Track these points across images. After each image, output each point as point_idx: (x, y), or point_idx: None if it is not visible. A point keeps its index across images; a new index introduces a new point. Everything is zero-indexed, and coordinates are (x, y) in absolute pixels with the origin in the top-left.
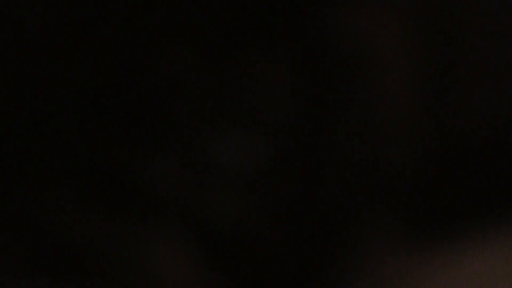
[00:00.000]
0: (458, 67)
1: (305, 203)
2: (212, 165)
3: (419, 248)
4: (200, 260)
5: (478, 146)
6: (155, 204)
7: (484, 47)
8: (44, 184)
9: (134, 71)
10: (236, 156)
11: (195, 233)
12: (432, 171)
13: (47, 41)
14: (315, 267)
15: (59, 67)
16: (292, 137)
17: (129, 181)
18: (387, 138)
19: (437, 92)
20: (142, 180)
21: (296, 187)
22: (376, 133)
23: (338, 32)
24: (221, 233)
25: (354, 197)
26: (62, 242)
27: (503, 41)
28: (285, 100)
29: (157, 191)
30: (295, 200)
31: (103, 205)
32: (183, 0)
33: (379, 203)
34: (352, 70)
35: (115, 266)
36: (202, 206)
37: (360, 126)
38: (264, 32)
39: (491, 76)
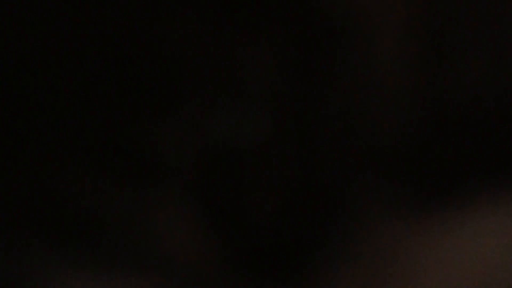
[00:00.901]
0: (455, 31)
1: (302, 171)
2: (213, 135)
3: (417, 215)
4: (201, 227)
5: (476, 111)
6: (159, 171)
7: (482, 10)
8: (52, 152)
9: (139, 42)
10: (234, 127)
11: (197, 200)
12: (430, 137)
13: (55, 9)
14: (313, 235)
15: (65, 35)
16: (287, 107)
17: (135, 149)
18: (383, 105)
19: (433, 57)
20: (147, 147)
21: (293, 157)
22: (372, 100)
23: (333, 3)
24: (221, 201)
25: (351, 166)
26: (70, 207)
27: (502, 5)
28: (281, 70)
29: (162, 158)
30: (292, 169)
31: (110, 172)
32: None
33: (377, 170)
34: (346, 37)
35: (121, 229)
36: (203, 174)
37: (356, 93)
38: (260, 4)
39: (489, 39)
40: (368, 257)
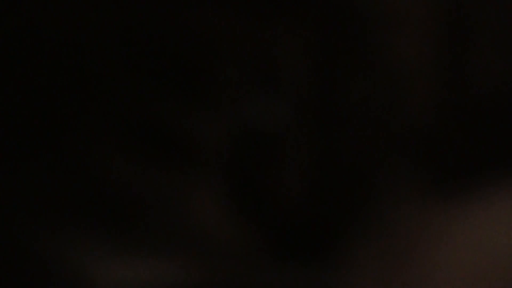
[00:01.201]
0: (476, 30)
1: (328, 157)
2: (244, 121)
3: (439, 201)
4: (232, 209)
5: (498, 100)
6: (195, 157)
7: (502, 14)
8: (97, 141)
9: (176, 33)
10: (265, 114)
11: (228, 184)
12: (452, 125)
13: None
14: (339, 218)
15: (103, 25)
16: (315, 94)
17: (173, 136)
18: (406, 93)
19: (455, 48)
20: (184, 135)
21: (319, 142)
22: (395, 89)
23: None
24: (250, 184)
25: (375, 151)
26: (112, 193)
27: None
28: (309, 60)
29: (197, 145)
30: (319, 154)
31: (149, 158)
32: None
33: (400, 156)
34: (372, 27)
35: (160, 213)
36: (234, 159)
37: (380, 82)
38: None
39: (507, 41)
40: (390, 240)
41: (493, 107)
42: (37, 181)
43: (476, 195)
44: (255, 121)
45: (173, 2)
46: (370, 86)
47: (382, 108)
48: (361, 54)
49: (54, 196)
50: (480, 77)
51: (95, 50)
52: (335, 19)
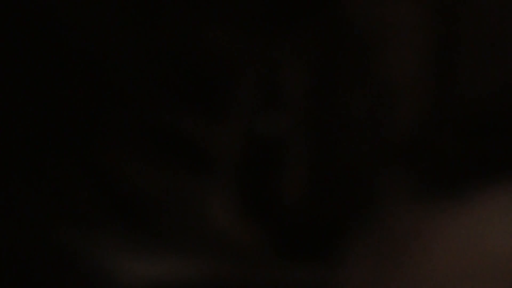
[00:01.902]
0: (464, 40)
1: (327, 163)
2: (253, 132)
3: (430, 203)
4: (241, 211)
5: (483, 112)
6: (210, 164)
7: (488, 24)
8: (115, 143)
9: (195, 53)
10: (270, 126)
11: (238, 188)
12: (442, 134)
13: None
14: (338, 219)
15: (129, 43)
16: (316, 105)
17: (190, 145)
18: (399, 104)
19: (445, 60)
20: (199, 143)
21: (319, 151)
22: (390, 100)
23: (355, 14)
24: (257, 189)
25: (372, 158)
26: (134, 197)
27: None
28: (310, 73)
29: (212, 152)
30: (319, 161)
31: (168, 165)
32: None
33: (395, 163)
34: (368, 43)
35: (173, 213)
36: (244, 165)
37: (376, 94)
38: (292, 19)
39: (493, 50)
40: (386, 240)
41: (481, 118)
42: (66, 184)
43: (464, 200)
44: (261, 132)
45: (192, 24)
46: (366, 98)
47: (378, 118)
48: (358, 68)
49: (80, 198)
50: (469, 89)
51: (122, 67)
52: (334, 38)
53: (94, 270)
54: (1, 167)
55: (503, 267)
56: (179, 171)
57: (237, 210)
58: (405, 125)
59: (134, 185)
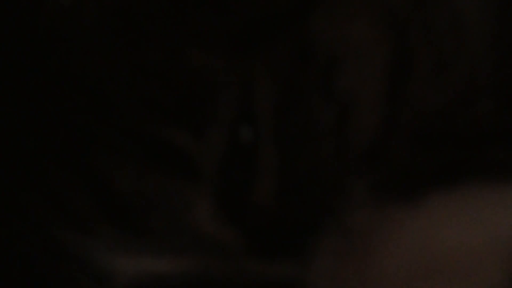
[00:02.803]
0: (416, 57)
1: (296, 170)
2: (230, 142)
3: (387, 204)
4: (220, 214)
5: (434, 121)
6: (192, 171)
7: (437, 43)
8: (110, 152)
9: (178, 70)
10: (245, 135)
11: (218, 193)
12: (397, 142)
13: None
14: (305, 222)
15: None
16: (284, 119)
17: (178, 156)
18: (360, 116)
19: (400, 77)
20: (184, 151)
21: (288, 158)
22: (351, 112)
23: (320, 34)
24: (234, 194)
25: (334, 166)
26: (128, 203)
27: (458, 43)
28: (279, 90)
29: (194, 161)
30: (287, 168)
31: (155, 169)
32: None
33: (355, 170)
34: (331, 62)
35: (161, 215)
36: (222, 173)
37: (338, 106)
38: (263, 40)
39: (442, 66)
40: (348, 238)
41: (431, 128)
42: (64, 188)
43: (418, 200)
44: (238, 142)
45: (176, 48)
46: (330, 110)
47: (340, 129)
48: (322, 83)
49: (77, 201)
50: (420, 102)
51: (117, 86)
52: (301, 56)
53: (89, 268)
54: (6, 170)
55: (453, 261)
56: (166, 177)
57: (217, 212)
58: (365, 135)
59: (127, 189)
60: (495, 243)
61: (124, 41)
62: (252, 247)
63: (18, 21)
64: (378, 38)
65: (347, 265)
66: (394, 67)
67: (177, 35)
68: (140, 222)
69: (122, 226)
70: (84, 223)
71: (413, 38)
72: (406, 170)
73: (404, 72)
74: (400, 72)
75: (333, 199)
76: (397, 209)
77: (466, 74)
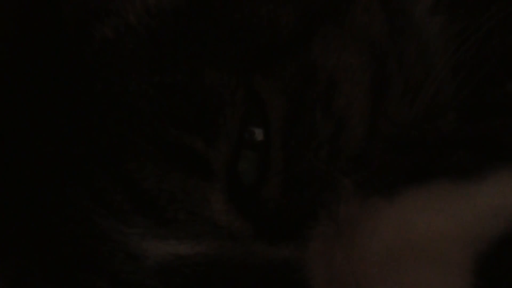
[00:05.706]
0: (394, 79)
1: (295, 170)
2: (241, 147)
3: (370, 198)
4: (231, 205)
5: (408, 131)
6: (207, 169)
7: (410, 67)
8: (139, 155)
9: (195, 87)
10: (252, 141)
11: (229, 188)
12: (378, 148)
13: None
14: (303, 212)
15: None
16: (287, 126)
17: (192, 155)
18: (350, 127)
19: (380, 95)
20: (200, 154)
21: (289, 160)
22: (343, 124)
23: (319, 58)
24: (242, 188)
25: (328, 167)
26: (149, 192)
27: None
28: (284, 103)
29: (208, 161)
30: (289, 168)
31: (175, 169)
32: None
33: (344, 171)
34: (328, 82)
35: (181, 206)
36: (233, 171)
37: (333, 119)
38: (271, 63)
39: (414, 86)
40: (338, 226)
41: (406, 136)
42: (108, 187)
43: (395, 196)
44: (246, 145)
45: (194, 68)
46: (326, 122)
47: (334, 137)
48: (321, 99)
49: (113, 196)
50: (397, 115)
51: (143, 100)
52: (304, 76)
53: (125, 250)
54: (59, 172)
55: (425, 243)
56: (186, 176)
57: (228, 203)
58: (353, 142)
59: (154, 186)
60: (460, 229)
61: (155, 66)
62: (258, 233)
63: (71, 50)
64: (364, 65)
65: (337, 247)
66: (375, 89)
67: (197, 59)
68: (165, 213)
69: (151, 216)
70: (121, 214)
71: (390, 65)
72: (385, 170)
73: (383, 93)
74: (380, 92)
75: (326, 193)
76: (378, 201)
77: (432, 93)
